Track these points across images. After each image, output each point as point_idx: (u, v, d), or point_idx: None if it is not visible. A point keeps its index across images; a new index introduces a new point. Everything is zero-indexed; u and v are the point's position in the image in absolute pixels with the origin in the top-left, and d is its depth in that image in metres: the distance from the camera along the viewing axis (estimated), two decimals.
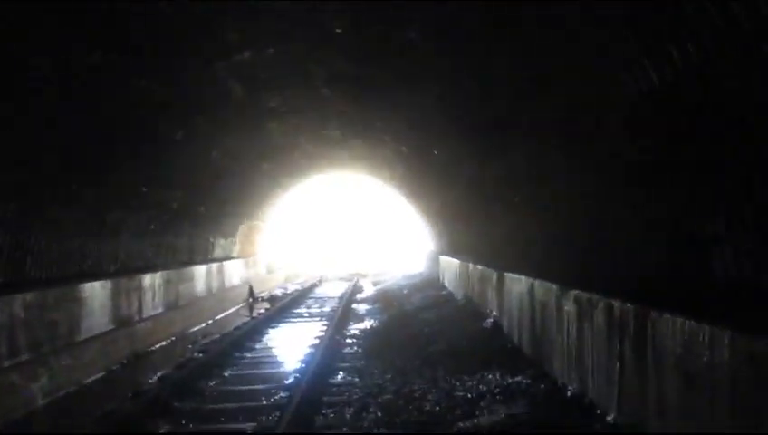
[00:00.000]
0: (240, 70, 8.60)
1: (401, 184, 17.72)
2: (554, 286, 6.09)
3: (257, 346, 9.94)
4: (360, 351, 9.01)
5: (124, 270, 10.31)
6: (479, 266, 10.41)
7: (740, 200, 3.36)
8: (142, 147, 9.07)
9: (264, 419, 5.71)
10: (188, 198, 12.50)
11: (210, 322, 13.05)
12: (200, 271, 14.39)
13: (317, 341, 9.71)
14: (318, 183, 23.32)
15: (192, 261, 14.35)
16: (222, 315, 14.09)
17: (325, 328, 10.93)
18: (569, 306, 5.64)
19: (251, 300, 16.63)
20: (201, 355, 8.74)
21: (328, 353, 8.45)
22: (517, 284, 7.63)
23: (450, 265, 14.33)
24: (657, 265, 4.38)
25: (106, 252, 9.75)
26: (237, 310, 15.29)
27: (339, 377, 7.34)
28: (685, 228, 3.94)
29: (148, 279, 11.00)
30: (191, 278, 13.66)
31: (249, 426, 5.50)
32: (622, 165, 4.63)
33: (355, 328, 11.22)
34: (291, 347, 9.88)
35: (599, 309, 4.89)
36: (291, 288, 19.66)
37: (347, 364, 7.94)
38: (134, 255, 10.92)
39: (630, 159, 4.46)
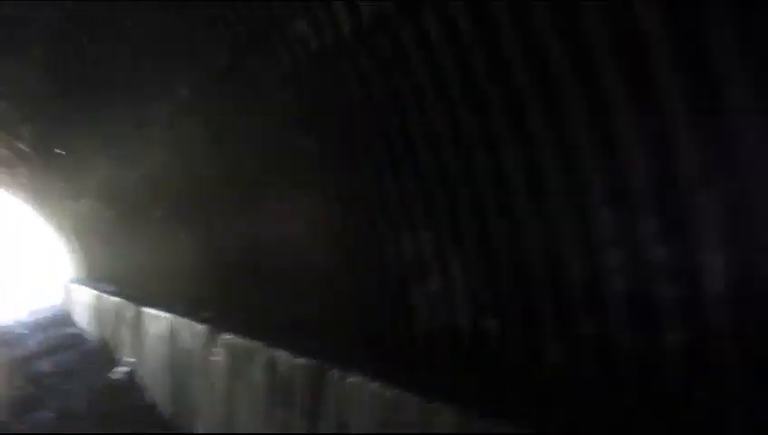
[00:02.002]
0: None
1: (28, 193, 14.16)
2: (202, 328, 4.56)
3: None
4: None
5: None
6: (114, 298, 8.26)
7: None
8: None
9: None
10: None
11: None
12: None
13: None
14: None
15: None
16: None
17: None
18: (220, 356, 4.17)
19: None
20: None
21: None
22: (157, 322, 5.87)
23: (84, 297, 11.62)
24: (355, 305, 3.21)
25: None
26: None
27: None
28: (378, 253, 2.83)
29: None
30: None
31: None
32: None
33: None
34: None
35: (258, 364, 3.53)
36: None
37: None
38: None
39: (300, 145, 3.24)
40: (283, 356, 3.22)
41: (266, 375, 3.39)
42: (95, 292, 10.39)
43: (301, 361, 3.04)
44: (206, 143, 4.33)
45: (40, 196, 13.07)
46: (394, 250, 2.64)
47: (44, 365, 8.55)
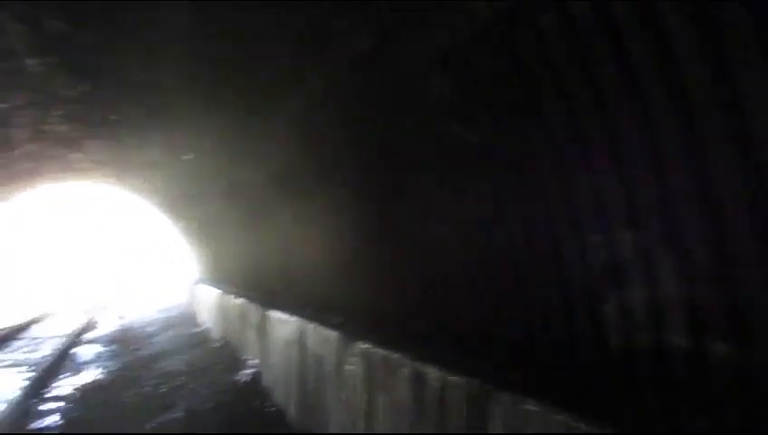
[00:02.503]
0: None
1: (160, 199, 14.90)
2: (334, 335, 4.32)
3: None
4: (58, 423, 6.34)
5: None
6: (238, 300, 8.33)
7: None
8: None
9: None
10: None
11: None
12: None
13: (0, 406, 6.75)
14: (57, 194, 19.18)
15: None
16: None
17: (26, 384, 7.87)
18: (354, 365, 3.90)
19: None
20: None
21: None
22: (284, 326, 5.74)
23: (208, 297, 11.98)
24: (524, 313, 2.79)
25: None
26: None
27: None
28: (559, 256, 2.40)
29: None
30: None
31: None
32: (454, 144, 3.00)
33: (68, 384, 8.30)
34: None
35: (401, 376, 3.20)
36: (0, 324, 15.37)
37: None
38: None
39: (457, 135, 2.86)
40: (433, 372, 2.86)
41: (413, 392, 3.05)
42: (219, 292, 10.64)
43: (456, 378, 2.67)
44: (339, 139, 4.09)
45: (168, 200, 13.70)
46: (578, 253, 2.21)
47: (173, 364, 8.79)
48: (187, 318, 14.02)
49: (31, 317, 16.92)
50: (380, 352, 3.49)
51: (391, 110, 3.29)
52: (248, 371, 7.01)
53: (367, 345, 3.69)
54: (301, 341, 5.15)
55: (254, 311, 7.23)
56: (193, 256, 16.76)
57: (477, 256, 2.87)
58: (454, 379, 2.67)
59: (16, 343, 12.64)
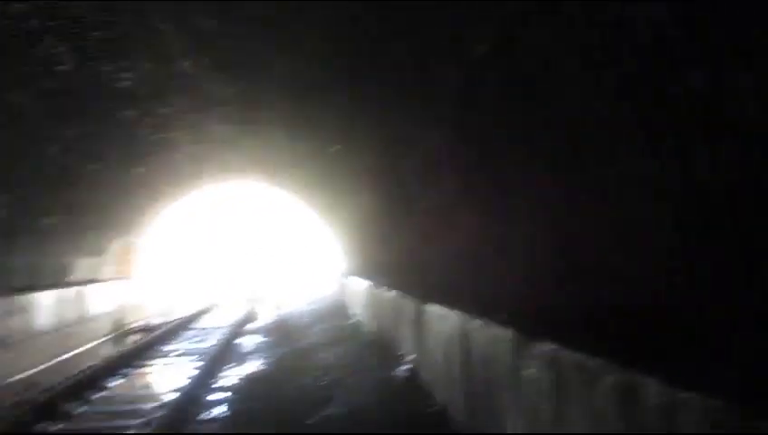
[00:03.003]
0: (62, 26, 5.99)
1: (306, 193, 15.29)
2: (506, 333, 3.85)
3: (79, 410, 7.12)
4: (225, 414, 6.51)
5: None
6: (391, 292, 8.11)
7: None
8: None
9: None
10: (21, 206, 9.56)
11: (46, 365, 10.00)
12: (45, 298, 11.32)
13: (174, 395, 7.10)
14: (213, 193, 20.47)
15: (36, 285, 11.31)
16: (68, 356, 11.03)
17: (196, 373, 8.27)
18: (535, 369, 3.40)
19: (113, 334, 13.57)
20: None
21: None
22: (443, 322, 5.36)
23: (358, 289, 11.99)
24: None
25: None
26: (95, 346, 12.25)
27: None
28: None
29: None
30: (28, 308, 10.60)
31: None
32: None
33: (233, 374, 8.61)
34: (124, 413, 7.04)
35: (603, 387, 2.66)
36: (173, 316, 16.63)
37: None
38: None
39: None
40: (651, 385, 2.30)
41: (620, 406, 2.51)
42: (370, 284, 10.55)
43: (690, 396, 2.10)
44: (505, 105, 3.59)
45: (316, 195, 13.95)
46: None
47: (328, 357, 8.79)
48: (338, 311, 14.21)
49: (199, 309, 18.20)
50: (572, 355, 2.97)
51: (577, 66, 2.75)
52: (404, 366, 6.74)
53: (553, 347, 3.18)
54: (463, 338, 4.73)
55: (408, 304, 6.94)
56: (341, 250, 17.04)
57: (706, 241, 2.27)
58: (686, 397, 2.10)
59: (187, 333, 13.56)
